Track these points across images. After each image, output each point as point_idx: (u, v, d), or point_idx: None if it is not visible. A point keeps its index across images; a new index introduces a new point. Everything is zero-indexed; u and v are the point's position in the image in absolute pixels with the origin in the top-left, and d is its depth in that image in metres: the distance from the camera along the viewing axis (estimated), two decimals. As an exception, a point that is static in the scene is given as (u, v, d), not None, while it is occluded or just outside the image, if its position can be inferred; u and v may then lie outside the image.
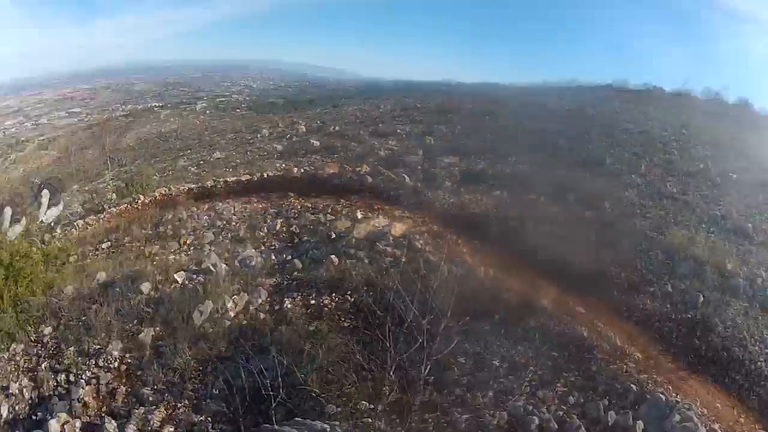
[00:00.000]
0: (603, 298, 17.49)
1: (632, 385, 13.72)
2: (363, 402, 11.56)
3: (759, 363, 15.61)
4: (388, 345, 10.77)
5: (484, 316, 15.13)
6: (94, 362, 12.34)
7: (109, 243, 19.27)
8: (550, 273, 17.88)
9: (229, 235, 19.34)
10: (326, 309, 14.96)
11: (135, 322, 13.60)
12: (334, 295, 15.49)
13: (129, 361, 12.60)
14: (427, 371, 10.74)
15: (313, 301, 15.21)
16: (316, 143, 28.77)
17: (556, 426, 12.26)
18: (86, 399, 11.64)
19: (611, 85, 49.00)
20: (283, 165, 26.21)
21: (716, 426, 12.81)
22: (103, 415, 11.32)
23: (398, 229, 18.78)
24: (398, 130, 31.24)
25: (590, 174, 25.62)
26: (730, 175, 26.27)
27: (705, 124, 35.03)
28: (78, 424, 11.05)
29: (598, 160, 27.43)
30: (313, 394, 11.10)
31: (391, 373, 10.92)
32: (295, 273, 16.39)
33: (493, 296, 16.05)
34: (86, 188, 25.97)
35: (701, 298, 17.77)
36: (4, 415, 11.32)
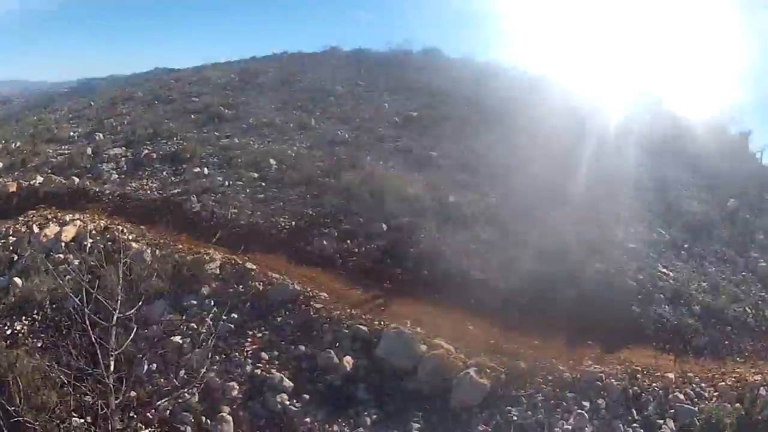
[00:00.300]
0: (273, 250, 18.01)
1: (324, 324, 13.80)
2: (75, 419, 11.84)
3: (472, 272, 15.74)
4: (72, 353, 10.62)
5: (158, 296, 15.89)
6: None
7: None
8: (215, 238, 19.16)
9: None
10: (21, 334, 15.70)
11: None
12: (24, 318, 16.37)
13: None
14: (112, 367, 10.27)
15: (8, 331, 15.96)
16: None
17: (257, 384, 12.75)
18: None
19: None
20: (-34, 195, 27.29)
21: (440, 341, 12.91)
22: None
23: (69, 233, 21.19)
24: (71, 133, 34.17)
25: (257, 136, 29.13)
26: (410, 113, 30.56)
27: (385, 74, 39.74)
28: None
29: (266, 122, 31.12)
30: (29, 425, 10.54)
31: (78, 380, 10.61)
32: (-14, 306, 17.85)
33: (161, 274, 16.71)
34: None
35: (384, 227, 17.60)
36: None
